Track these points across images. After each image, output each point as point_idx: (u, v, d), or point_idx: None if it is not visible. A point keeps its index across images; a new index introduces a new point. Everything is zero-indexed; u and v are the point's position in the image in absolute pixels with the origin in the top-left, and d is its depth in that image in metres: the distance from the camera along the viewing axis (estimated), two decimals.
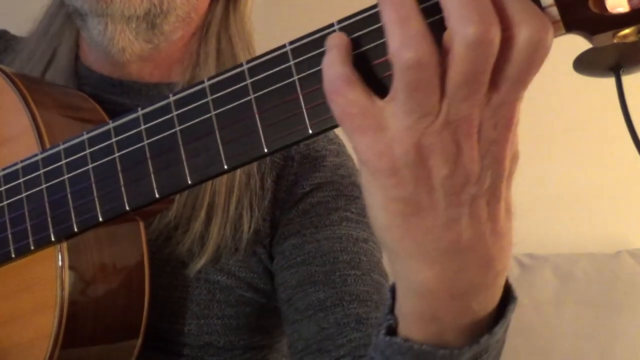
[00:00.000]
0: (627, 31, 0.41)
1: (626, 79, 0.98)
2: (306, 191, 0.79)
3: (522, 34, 0.39)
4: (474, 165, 0.42)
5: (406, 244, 0.45)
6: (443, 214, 0.43)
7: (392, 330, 0.50)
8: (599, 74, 0.98)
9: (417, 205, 0.43)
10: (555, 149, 1.80)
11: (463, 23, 0.39)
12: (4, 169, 0.63)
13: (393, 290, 0.51)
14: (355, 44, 0.45)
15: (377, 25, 0.45)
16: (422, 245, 0.45)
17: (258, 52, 0.82)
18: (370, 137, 0.42)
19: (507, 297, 0.50)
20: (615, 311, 1.54)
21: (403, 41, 0.40)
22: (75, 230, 0.59)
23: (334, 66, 0.43)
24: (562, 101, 1.77)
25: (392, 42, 0.40)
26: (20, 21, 0.87)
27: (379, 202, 0.44)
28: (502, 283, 0.48)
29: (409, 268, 0.46)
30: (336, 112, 0.44)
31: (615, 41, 0.41)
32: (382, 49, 0.44)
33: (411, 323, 0.49)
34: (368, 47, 0.45)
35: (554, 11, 0.41)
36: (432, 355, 0.47)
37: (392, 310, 0.51)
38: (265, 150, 0.49)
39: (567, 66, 0.96)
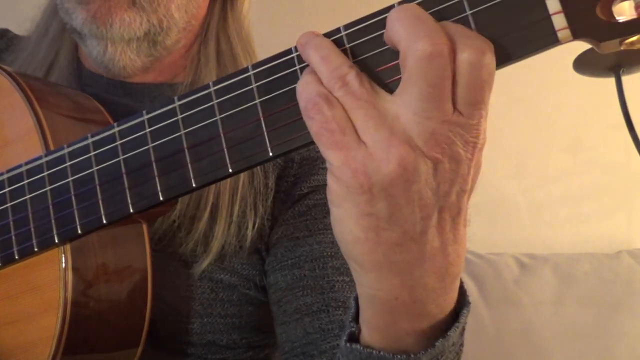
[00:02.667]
0: (634, 38, 0.41)
1: (626, 79, 0.98)
2: (304, 193, 0.79)
3: (463, 56, 0.41)
4: (445, 182, 0.44)
5: (374, 257, 0.46)
6: (413, 228, 0.44)
7: (354, 337, 0.52)
8: (599, 74, 0.98)
9: (389, 219, 0.44)
10: (555, 148, 1.80)
11: (412, 40, 0.41)
12: (8, 171, 0.63)
13: (357, 299, 0.52)
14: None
15: (372, 36, 0.45)
16: (389, 257, 0.46)
17: (257, 52, 0.83)
18: (346, 153, 0.43)
19: (462, 301, 0.52)
20: (615, 311, 1.54)
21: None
22: (79, 232, 0.59)
23: (311, 85, 0.44)
24: (562, 101, 1.77)
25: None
26: (20, 21, 0.86)
27: (351, 216, 0.45)
28: (457, 286, 0.50)
29: (374, 279, 0.47)
30: (313, 127, 0.44)
31: (622, 48, 0.41)
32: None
33: (373, 330, 0.51)
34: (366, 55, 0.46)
35: (561, 18, 0.41)
36: None
37: (356, 318, 0.52)
38: (270, 154, 0.49)
39: (567, 66, 0.96)
